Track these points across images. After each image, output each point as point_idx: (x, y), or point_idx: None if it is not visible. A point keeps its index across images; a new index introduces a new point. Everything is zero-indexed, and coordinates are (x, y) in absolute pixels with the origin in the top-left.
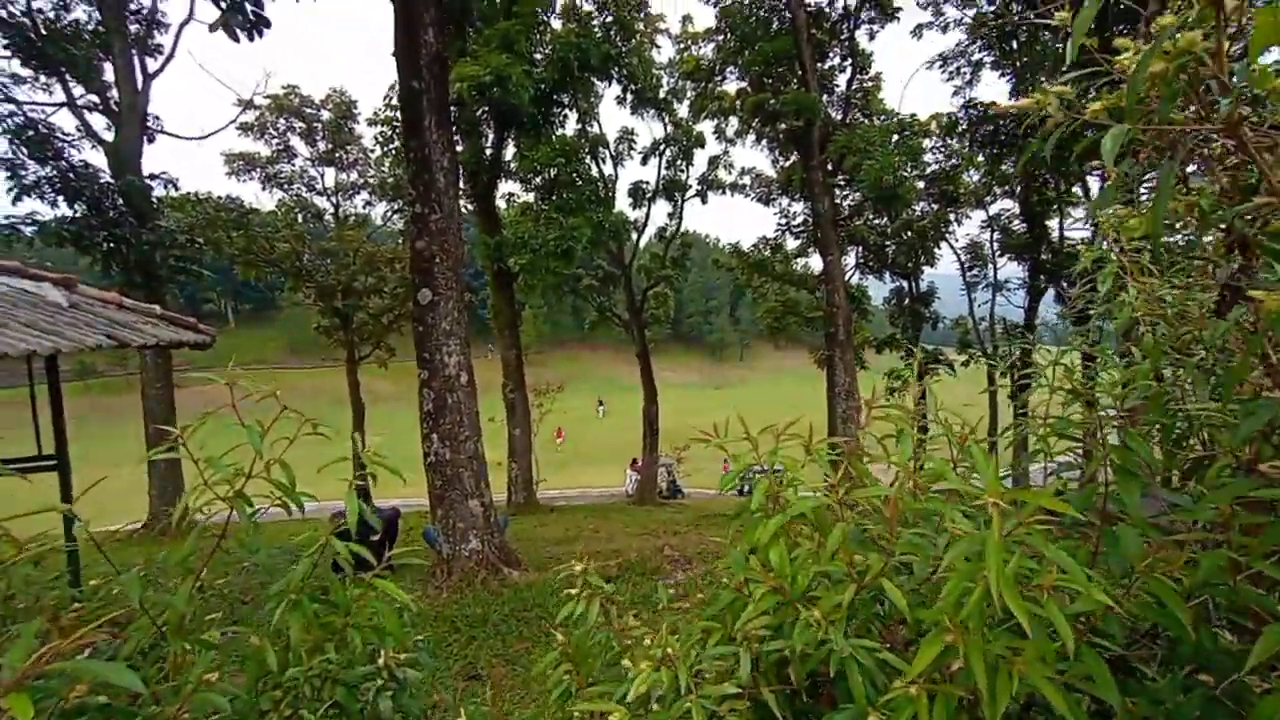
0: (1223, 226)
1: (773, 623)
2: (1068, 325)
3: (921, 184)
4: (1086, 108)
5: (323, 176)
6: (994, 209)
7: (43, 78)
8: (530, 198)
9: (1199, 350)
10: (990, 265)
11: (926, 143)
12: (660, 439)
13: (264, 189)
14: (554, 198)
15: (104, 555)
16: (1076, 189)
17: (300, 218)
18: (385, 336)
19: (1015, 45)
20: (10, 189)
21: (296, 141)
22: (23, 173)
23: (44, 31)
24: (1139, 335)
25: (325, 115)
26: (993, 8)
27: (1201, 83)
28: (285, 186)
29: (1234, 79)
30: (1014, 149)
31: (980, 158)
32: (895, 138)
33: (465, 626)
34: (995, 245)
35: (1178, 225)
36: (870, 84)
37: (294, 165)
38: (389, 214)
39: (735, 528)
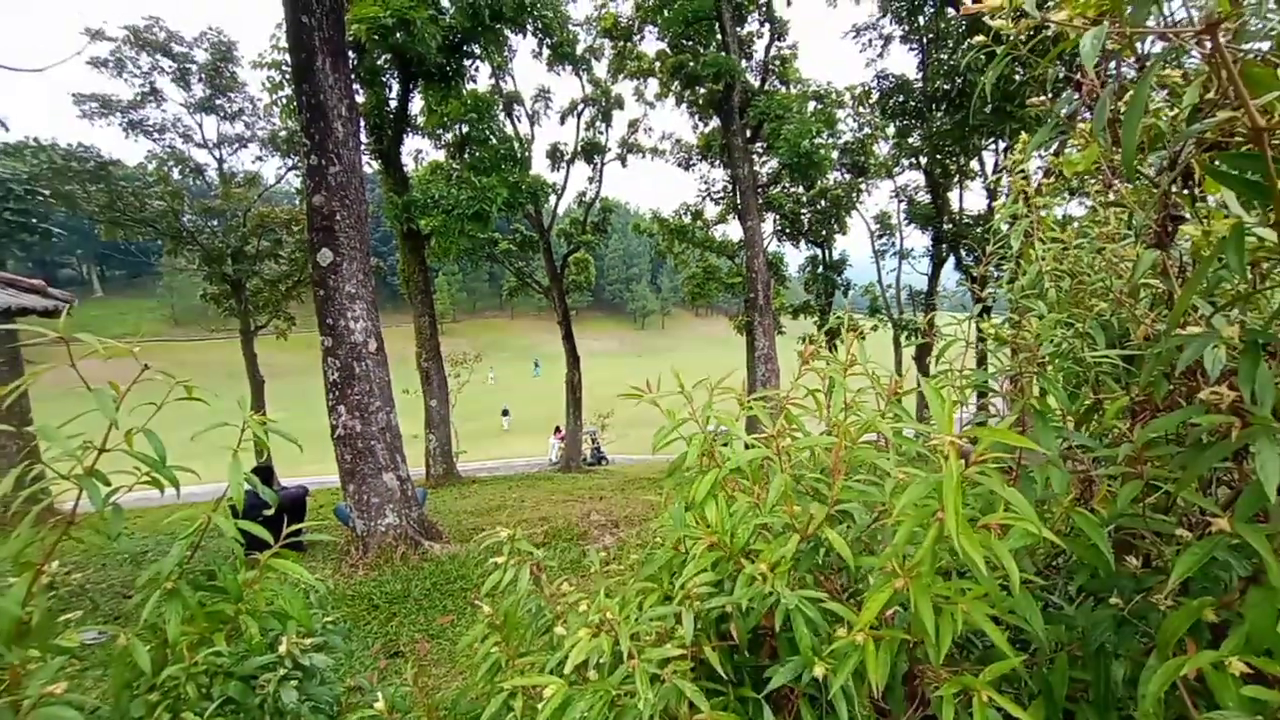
0: (1169, 151)
1: (713, 579)
2: (967, 291)
3: (836, 153)
4: (1052, 8)
5: (201, 126)
6: (901, 180)
7: None
8: (440, 155)
9: (1097, 303)
10: (898, 234)
11: (840, 113)
12: (584, 406)
13: (127, 136)
14: (466, 156)
15: None
16: (974, 164)
17: (176, 172)
18: (284, 304)
19: (922, 20)
20: None
21: (166, 84)
22: None
23: None
24: (1044, 290)
25: (200, 56)
26: None
27: None
28: (154, 136)
29: None
30: (921, 120)
31: (891, 129)
32: (812, 105)
33: (384, 603)
34: (902, 215)
35: (1094, 167)
36: (788, 51)
37: (164, 111)
38: (283, 170)
39: (669, 486)
